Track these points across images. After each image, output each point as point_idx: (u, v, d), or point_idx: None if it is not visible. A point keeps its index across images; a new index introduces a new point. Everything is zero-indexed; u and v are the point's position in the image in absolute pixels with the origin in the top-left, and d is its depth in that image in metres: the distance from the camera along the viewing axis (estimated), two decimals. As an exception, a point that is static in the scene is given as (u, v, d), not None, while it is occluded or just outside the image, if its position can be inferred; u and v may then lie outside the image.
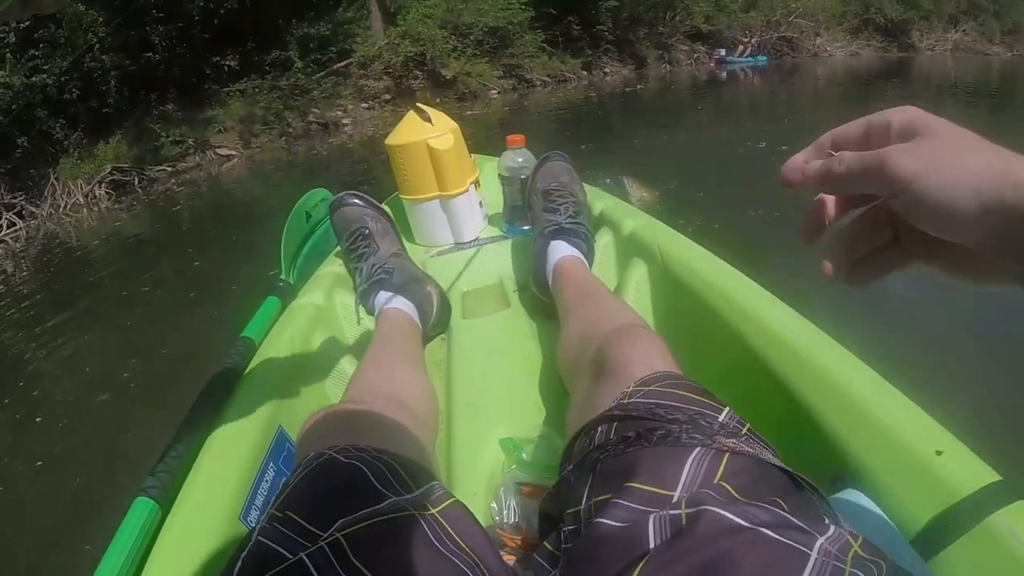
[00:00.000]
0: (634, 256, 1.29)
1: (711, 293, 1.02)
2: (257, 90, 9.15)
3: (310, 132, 9.29)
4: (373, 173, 5.91)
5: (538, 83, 13.09)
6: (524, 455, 0.87)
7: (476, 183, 1.56)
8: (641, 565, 0.46)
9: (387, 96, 10.86)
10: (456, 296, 1.38)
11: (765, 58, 17.65)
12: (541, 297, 1.25)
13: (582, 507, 0.55)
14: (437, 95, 10.75)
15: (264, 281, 1.38)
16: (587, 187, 1.46)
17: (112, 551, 0.66)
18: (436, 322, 1.24)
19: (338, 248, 1.39)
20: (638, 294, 1.24)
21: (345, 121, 9.86)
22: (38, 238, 5.54)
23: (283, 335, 1.10)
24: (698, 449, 0.53)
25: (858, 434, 0.70)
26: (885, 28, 22.63)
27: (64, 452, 2.15)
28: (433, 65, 10.95)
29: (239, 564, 0.50)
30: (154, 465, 0.77)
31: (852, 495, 0.65)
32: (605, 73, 14.80)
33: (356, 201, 1.30)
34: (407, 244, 1.40)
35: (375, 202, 1.33)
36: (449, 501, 0.60)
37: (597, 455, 0.58)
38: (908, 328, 2.45)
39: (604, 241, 1.40)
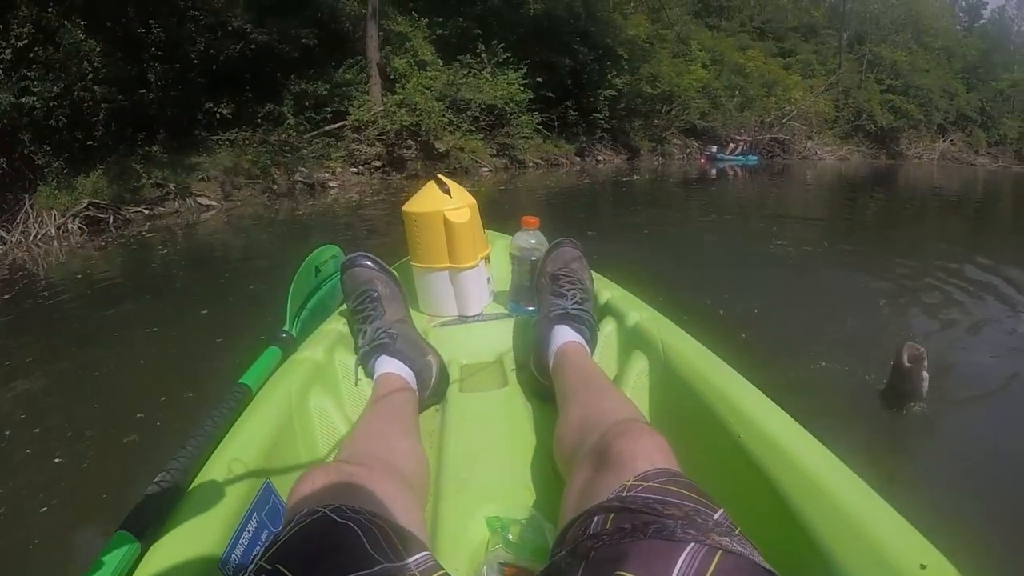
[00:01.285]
0: (636, 348, 1.33)
1: (710, 393, 1.06)
2: (247, 142, 9.25)
3: (294, 191, 9.32)
4: (356, 240, 5.91)
5: (530, 164, 13.56)
6: (510, 535, 0.89)
7: (487, 259, 1.61)
8: None
9: (378, 163, 11.07)
10: (455, 368, 1.42)
11: (756, 158, 18.49)
12: (539, 379, 1.28)
13: None
14: (429, 168, 10.99)
15: (249, 341, 1.42)
16: (595, 276, 1.52)
17: None
18: (433, 392, 1.28)
19: (343, 306, 1.45)
20: (637, 386, 1.27)
21: (332, 184, 9.96)
22: (5, 264, 5.43)
23: (280, 387, 1.13)
24: (692, 544, 0.55)
25: (845, 544, 0.72)
26: (875, 135, 24.08)
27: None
28: (427, 137, 11.22)
29: None
30: (139, 501, 0.78)
31: None
32: (598, 160, 15.39)
33: (369, 264, 1.36)
34: (411, 311, 1.46)
35: (387, 267, 1.39)
36: (439, 573, 0.63)
37: (591, 543, 0.60)
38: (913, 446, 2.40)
39: (608, 330, 1.44)
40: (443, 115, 11.53)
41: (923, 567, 0.65)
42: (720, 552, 0.55)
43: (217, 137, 9.17)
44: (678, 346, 1.23)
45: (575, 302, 1.32)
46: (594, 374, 1.14)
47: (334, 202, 9.00)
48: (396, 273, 1.44)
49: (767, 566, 0.56)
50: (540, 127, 13.92)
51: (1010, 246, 6.24)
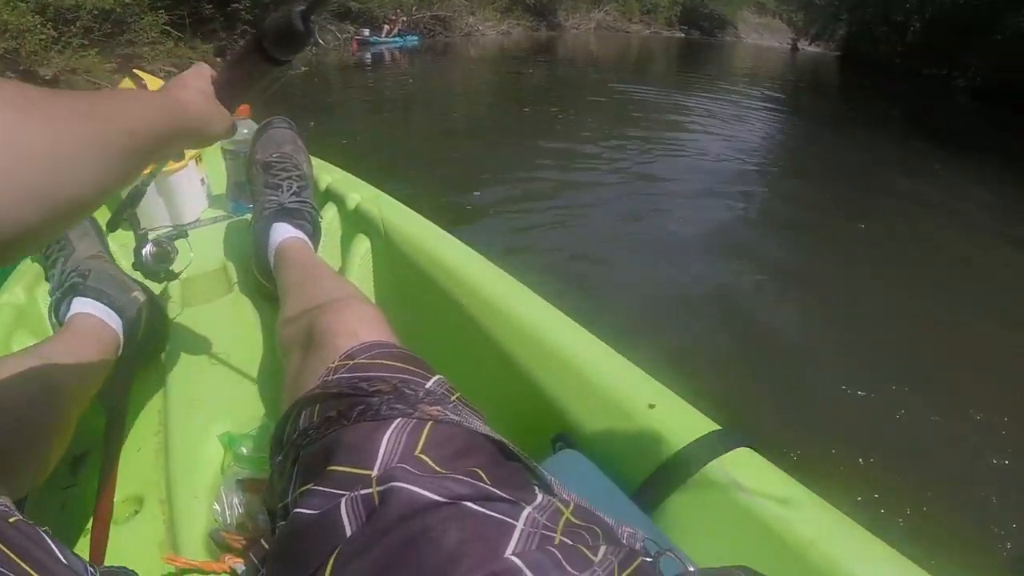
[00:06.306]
0: (359, 231, 1.38)
1: (431, 265, 1.12)
2: None
3: None
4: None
5: (162, 75, 12.82)
6: (243, 449, 0.90)
7: (197, 158, 1.59)
8: (334, 557, 0.47)
9: (-34, 109, 10.15)
10: (174, 285, 1.37)
11: (416, 38, 19.52)
12: (264, 282, 1.29)
13: (289, 500, 0.58)
14: None
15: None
16: (314, 159, 1.52)
17: None
18: (149, 332, 1.17)
19: None
20: (362, 269, 1.34)
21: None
22: None
23: None
24: (399, 420, 0.56)
25: (573, 395, 0.80)
26: (533, 8, 26.58)
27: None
28: (29, 63, 10.41)
29: None
30: None
31: (571, 455, 0.73)
32: None
33: None
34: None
35: None
36: (13, 519, 0.54)
37: (300, 442, 0.61)
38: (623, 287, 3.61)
39: (330, 216, 1.47)
40: (44, 31, 10.58)
41: (651, 407, 0.73)
42: (430, 423, 0.56)
43: None
44: (399, 222, 1.29)
45: (292, 193, 1.30)
46: (315, 265, 1.14)
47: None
48: None
49: (484, 431, 0.59)
50: (169, 28, 13.31)
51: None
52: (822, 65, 24.31)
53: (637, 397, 0.76)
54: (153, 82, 1.46)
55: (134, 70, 1.50)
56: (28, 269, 1.28)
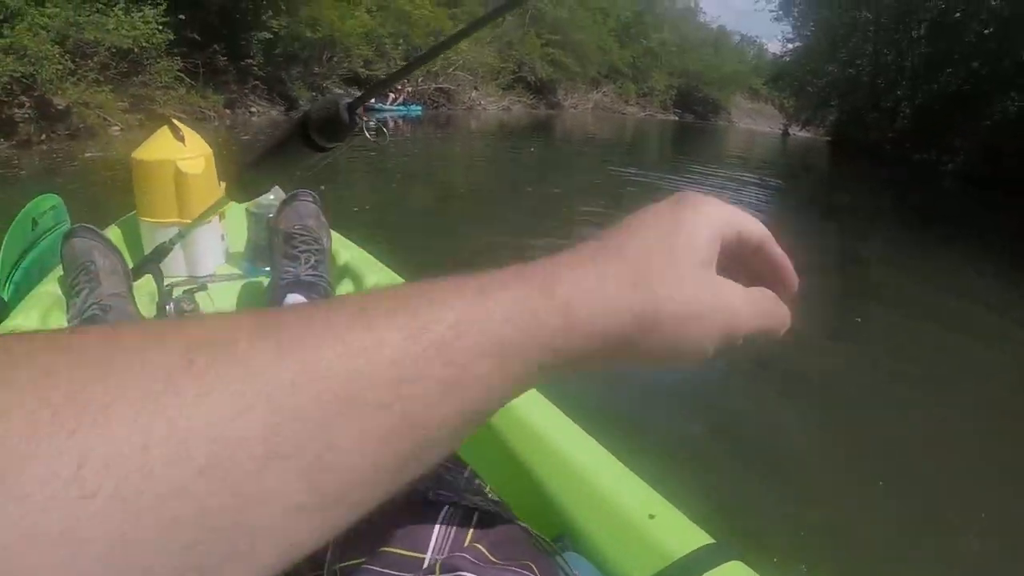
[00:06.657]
0: None
1: None
2: None
3: None
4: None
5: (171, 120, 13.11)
6: None
7: (221, 215, 1.62)
8: None
9: (-25, 132, 9.74)
10: None
11: (419, 108, 20.20)
12: None
13: (324, 572, 0.57)
14: (44, 130, 10.27)
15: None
16: (334, 234, 1.55)
17: None
18: None
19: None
20: None
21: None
22: None
23: None
24: (447, 507, 0.58)
25: (576, 498, 0.83)
26: (535, 86, 27.82)
27: None
28: (44, 90, 10.27)
29: None
30: None
31: (572, 557, 0.75)
32: (251, 112, 15.48)
33: (88, 235, 1.31)
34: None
35: (108, 238, 1.35)
36: None
37: None
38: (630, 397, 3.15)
39: (344, 292, 1.46)
40: (61, 62, 10.55)
41: (651, 517, 0.77)
42: (477, 512, 0.59)
43: None
44: None
45: (309, 266, 1.33)
46: None
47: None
48: (119, 231, 1.44)
49: (522, 523, 0.61)
50: (183, 75, 13.51)
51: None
52: (813, 150, 25.17)
53: (638, 506, 0.80)
54: (191, 135, 1.50)
55: (173, 119, 1.54)
56: (47, 294, 1.31)
